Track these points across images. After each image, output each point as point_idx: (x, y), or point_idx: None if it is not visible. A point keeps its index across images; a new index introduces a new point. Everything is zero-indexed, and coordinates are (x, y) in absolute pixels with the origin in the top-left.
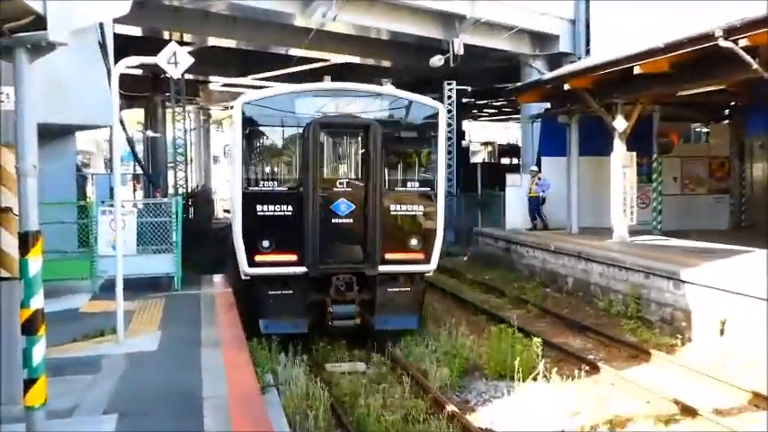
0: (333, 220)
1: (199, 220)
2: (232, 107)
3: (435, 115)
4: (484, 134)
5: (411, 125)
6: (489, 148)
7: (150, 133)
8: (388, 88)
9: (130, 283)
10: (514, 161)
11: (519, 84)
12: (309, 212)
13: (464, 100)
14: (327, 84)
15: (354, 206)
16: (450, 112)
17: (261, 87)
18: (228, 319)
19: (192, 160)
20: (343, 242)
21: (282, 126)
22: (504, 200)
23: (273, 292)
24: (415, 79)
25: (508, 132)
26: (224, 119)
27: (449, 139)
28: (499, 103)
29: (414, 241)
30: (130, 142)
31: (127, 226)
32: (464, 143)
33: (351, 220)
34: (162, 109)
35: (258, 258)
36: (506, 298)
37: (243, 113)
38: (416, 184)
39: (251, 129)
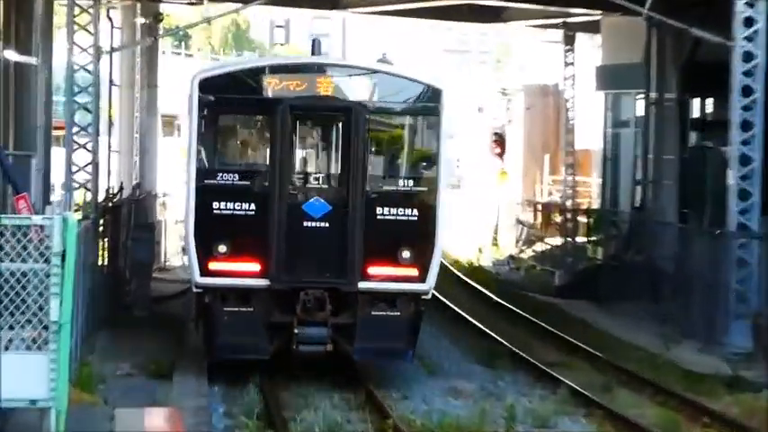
0: (304, 223)
1: (122, 268)
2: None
3: (437, 96)
4: None
5: (406, 109)
6: None
7: (12, 55)
8: (378, 63)
9: None
10: None
11: None
12: (276, 212)
13: None
14: (303, 57)
15: (331, 207)
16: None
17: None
18: None
19: (114, 125)
20: (315, 250)
21: (247, 107)
22: None
23: (229, 309)
24: None
25: None
26: (191, 26)
27: (746, 94)
28: None
29: (405, 253)
30: None
31: None
32: None
33: (326, 224)
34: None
35: (212, 266)
36: None
37: (200, 91)
38: (411, 182)
39: (209, 110)
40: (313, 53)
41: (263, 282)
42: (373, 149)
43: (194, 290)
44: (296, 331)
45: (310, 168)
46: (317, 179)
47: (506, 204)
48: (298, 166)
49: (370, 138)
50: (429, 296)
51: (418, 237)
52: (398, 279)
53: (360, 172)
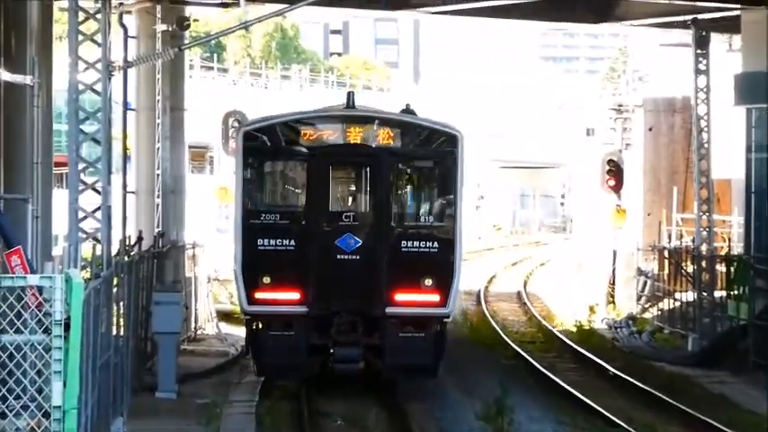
0: (338, 256)
1: (143, 339)
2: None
3: (454, 142)
4: None
5: (427, 153)
6: None
7: (1, 74)
8: (401, 114)
9: None
10: None
11: None
12: (312, 247)
13: None
14: (335, 109)
15: (361, 242)
16: None
17: None
18: None
19: (130, 160)
20: (347, 280)
21: (287, 155)
22: None
23: (273, 333)
24: None
25: None
26: (225, 33)
27: None
28: None
29: (428, 282)
30: None
31: None
32: None
33: (357, 257)
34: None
35: (258, 295)
36: None
37: (244, 141)
38: (431, 219)
39: (253, 158)
40: (348, 104)
41: (302, 309)
42: (398, 190)
43: (243, 317)
44: (332, 351)
45: (342, 208)
46: (349, 217)
47: (624, 251)
48: (331, 207)
49: (394, 180)
50: (450, 319)
51: (439, 266)
52: (422, 304)
53: (386, 210)
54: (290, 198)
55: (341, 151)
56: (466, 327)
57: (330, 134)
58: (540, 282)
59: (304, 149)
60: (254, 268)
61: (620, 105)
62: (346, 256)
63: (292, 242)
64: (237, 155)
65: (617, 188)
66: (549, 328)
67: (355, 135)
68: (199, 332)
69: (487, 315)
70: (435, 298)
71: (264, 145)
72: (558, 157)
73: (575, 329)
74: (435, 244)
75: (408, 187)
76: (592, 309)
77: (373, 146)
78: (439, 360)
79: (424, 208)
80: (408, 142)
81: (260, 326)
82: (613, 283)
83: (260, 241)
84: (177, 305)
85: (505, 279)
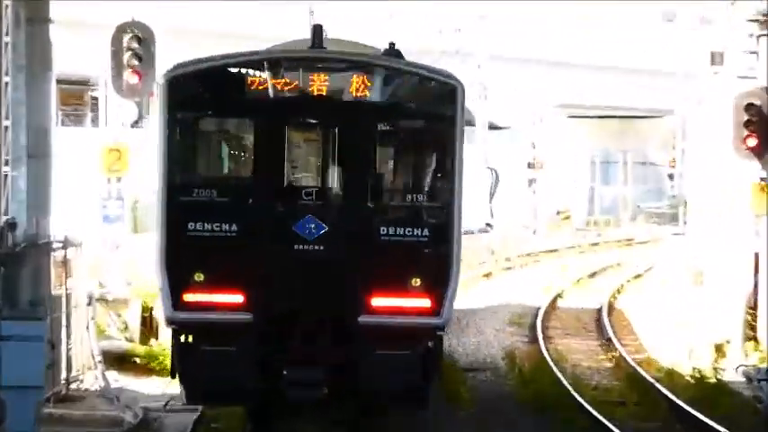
0: (295, 247)
1: None
2: None
3: (452, 95)
4: None
5: (416, 111)
6: None
7: None
8: (383, 56)
9: None
10: None
11: None
12: (261, 234)
13: None
14: (295, 50)
15: (327, 227)
16: None
17: None
18: None
19: None
20: (308, 279)
21: (228, 111)
22: None
23: (208, 348)
24: None
25: None
26: None
27: None
28: None
29: (415, 281)
30: None
31: None
32: None
33: (321, 248)
34: None
35: (188, 298)
36: None
37: (170, 91)
38: (422, 197)
39: (182, 115)
40: (314, 43)
41: (246, 316)
42: (376, 159)
43: (167, 326)
44: (285, 372)
45: (302, 182)
46: (310, 195)
47: None
48: (287, 180)
49: (372, 145)
50: (445, 330)
51: (431, 261)
52: (408, 312)
53: (360, 186)
54: (232, 168)
55: (301, 107)
56: (512, 377)
57: (287, 83)
58: (633, 306)
59: (251, 104)
60: (182, 261)
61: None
62: (306, 247)
63: (234, 227)
64: (161, 110)
65: (761, 150)
66: (649, 379)
67: (320, 85)
68: (73, 386)
69: (548, 359)
70: (425, 303)
71: (198, 97)
72: (664, 101)
73: (692, 382)
74: (426, 231)
75: (390, 155)
76: (720, 349)
77: (344, 100)
78: (429, 385)
79: (412, 183)
80: (391, 95)
81: (190, 339)
82: (755, 307)
83: (191, 225)
84: (38, 342)
85: (577, 301)
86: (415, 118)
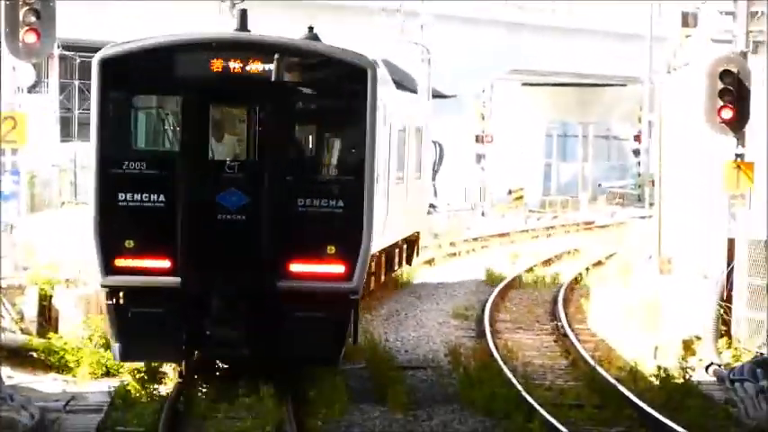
0: (219, 216)
1: None
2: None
3: (363, 77)
4: None
5: (330, 91)
6: None
7: None
8: (301, 40)
9: None
10: None
11: None
12: (186, 204)
13: None
14: (218, 34)
15: (248, 198)
16: None
17: None
18: None
19: None
20: (230, 246)
21: (156, 89)
22: None
23: (137, 310)
24: None
25: None
26: None
27: None
28: None
29: (330, 249)
30: None
31: None
32: None
33: (242, 217)
34: None
35: (119, 263)
36: None
37: (103, 71)
38: (335, 171)
39: (114, 92)
40: (240, 27)
41: (173, 280)
42: (294, 135)
43: (100, 290)
44: (208, 333)
45: (225, 156)
46: (233, 168)
47: (749, 240)
48: (211, 154)
49: (290, 122)
50: (359, 295)
51: (345, 230)
52: (323, 277)
53: (279, 159)
54: (160, 143)
55: (224, 86)
56: (456, 376)
57: (212, 65)
58: (592, 297)
59: (179, 83)
60: (113, 229)
61: None
62: (229, 216)
63: (162, 197)
64: (94, 88)
65: (737, 123)
66: (610, 380)
67: (241, 65)
68: None
69: (496, 356)
70: (339, 269)
71: (129, 76)
72: (631, 68)
73: (656, 383)
74: (340, 202)
75: (307, 132)
76: (688, 345)
77: (264, 80)
78: (342, 347)
79: (327, 158)
80: (307, 76)
81: (122, 301)
82: (728, 299)
83: (121, 195)
84: None
85: (530, 291)
86: (328, 98)
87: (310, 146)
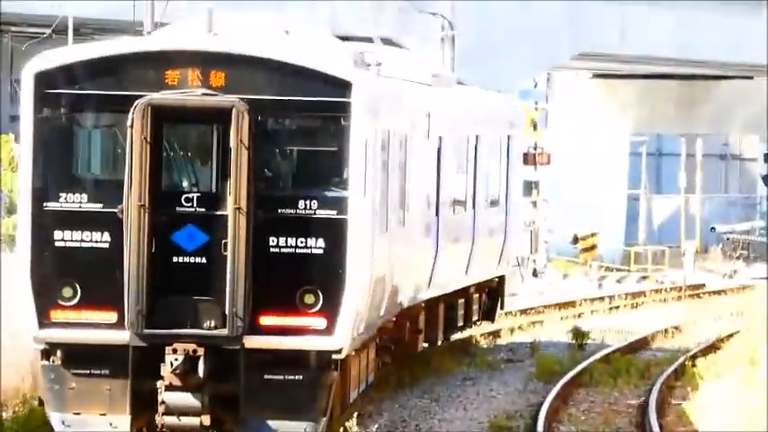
0: (173, 258)
1: None
2: None
3: (346, 91)
4: None
5: (306, 108)
6: None
7: None
8: (272, 50)
9: None
10: None
11: None
12: (135, 245)
13: None
14: (177, 41)
15: (209, 237)
16: None
17: None
18: None
19: None
20: (187, 294)
21: (100, 108)
22: None
23: (78, 371)
24: None
25: None
26: None
27: None
28: None
29: (308, 298)
30: None
31: None
32: None
33: (203, 260)
34: None
35: (55, 316)
36: None
37: (37, 86)
38: (314, 203)
39: (49, 111)
40: (207, 31)
41: (121, 335)
42: (264, 162)
43: (35, 347)
44: (161, 399)
45: (182, 187)
46: (191, 201)
47: None
48: (165, 185)
49: (259, 147)
50: (342, 355)
51: (325, 275)
52: (300, 331)
53: (245, 191)
54: (104, 171)
55: (181, 103)
56: None
57: (165, 78)
58: (701, 400)
59: (126, 100)
60: (49, 274)
61: None
62: (186, 259)
63: (106, 236)
64: (24, 106)
65: None
66: None
67: (202, 80)
68: None
69: None
70: (318, 322)
71: (67, 92)
72: (760, 50)
73: None
74: (320, 242)
75: (280, 158)
76: None
77: (228, 96)
78: (323, 416)
79: (304, 189)
80: (280, 92)
81: (58, 361)
82: None
83: (58, 234)
84: None
85: (606, 391)
86: (307, 117)
87: (284, 174)
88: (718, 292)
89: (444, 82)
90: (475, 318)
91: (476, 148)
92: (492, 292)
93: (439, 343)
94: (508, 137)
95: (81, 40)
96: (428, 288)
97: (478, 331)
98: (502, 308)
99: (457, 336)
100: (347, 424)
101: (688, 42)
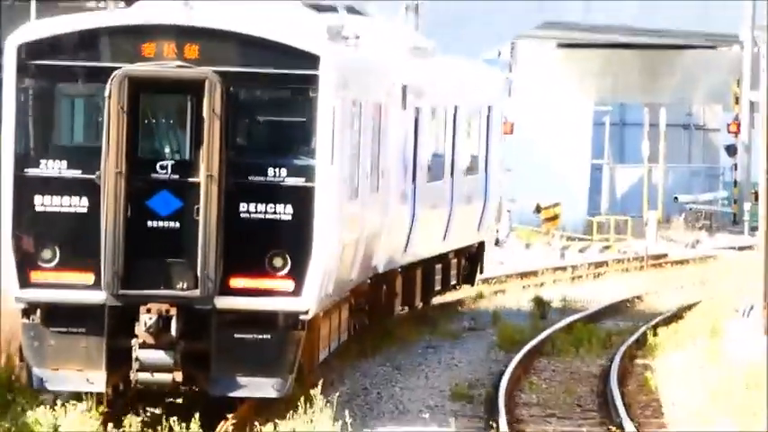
0: (148, 223)
1: None
2: None
3: (314, 64)
4: None
5: (277, 80)
6: None
7: None
8: (242, 24)
9: None
10: None
11: None
12: (111, 210)
13: None
14: (154, 15)
15: (182, 202)
16: None
17: None
18: None
19: None
20: (161, 256)
21: (79, 78)
22: None
23: (56, 329)
24: None
25: None
26: None
27: None
28: None
29: (277, 261)
30: None
31: None
32: None
33: (177, 224)
34: None
35: (36, 277)
36: None
37: (18, 57)
38: (283, 172)
39: (31, 81)
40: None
41: (98, 295)
42: (236, 131)
43: (15, 306)
44: (135, 356)
45: (157, 155)
46: (165, 168)
47: None
48: (141, 152)
49: (231, 116)
50: (309, 316)
51: (293, 240)
52: (267, 293)
53: (217, 159)
54: (83, 139)
55: (156, 75)
56: None
57: (142, 50)
58: (663, 370)
59: (104, 71)
60: (29, 238)
61: None
62: (161, 223)
63: (85, 201)
64: (6, 76)
65: None
66: None
67: (176, 52)
68: None
69: None
70: (287, 285)
71: (47, 63)
72: (722, 21)
73: None
74: (288, 208)
75: (251, 128)
76: None
77: (201, 68)
78: (287, 377)
79: (273, 157)
80: (252, 64)
81: (38, 320)
82: None
83: (38, 199)
84: None
85: (567, 360)
86: (276, 89)
87: (254, 143)
88: (681, 262)
89: (422, 54)
90: (453, 282)
91: (454, 117)
92: (472, 258)
93: (418, 307)
94: (489, 107)
95: (44, 7)
96: (404, 253)
97: (444, 299)
98: (481, 272)
99: (438, 299)
100: (312, 392)
101: (652, 12)
